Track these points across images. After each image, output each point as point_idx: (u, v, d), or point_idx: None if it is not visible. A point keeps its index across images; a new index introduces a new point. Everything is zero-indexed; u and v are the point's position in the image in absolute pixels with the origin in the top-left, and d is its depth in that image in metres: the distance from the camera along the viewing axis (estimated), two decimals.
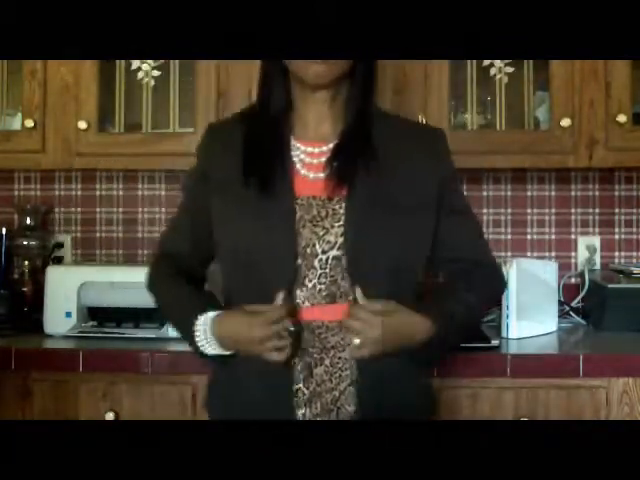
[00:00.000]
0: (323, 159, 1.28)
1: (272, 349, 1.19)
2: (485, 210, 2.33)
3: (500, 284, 1.45)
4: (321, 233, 1.24)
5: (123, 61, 2.11)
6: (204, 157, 1.35)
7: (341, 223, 1.23)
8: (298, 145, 1.29)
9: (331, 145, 1.29)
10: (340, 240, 1.23)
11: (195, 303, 1.30)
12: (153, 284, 1.40)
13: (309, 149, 1.29)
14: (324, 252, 1.23)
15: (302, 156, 1.29)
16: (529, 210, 2.34)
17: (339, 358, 1.25)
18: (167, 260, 1.39)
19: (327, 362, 1.25)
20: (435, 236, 1.31)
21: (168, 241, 1.43)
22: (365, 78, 1.29)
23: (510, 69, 2.09)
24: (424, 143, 1.33)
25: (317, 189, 1.25)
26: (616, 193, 2.33)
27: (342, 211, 1.24)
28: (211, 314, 1.26)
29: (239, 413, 1.27)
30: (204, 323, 1.25)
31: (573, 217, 2.33)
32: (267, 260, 1.23)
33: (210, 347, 1.26)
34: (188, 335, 1.28)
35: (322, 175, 1.26)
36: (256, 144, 1.28)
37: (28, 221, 2.31)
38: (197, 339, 1.26)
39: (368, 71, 1.30)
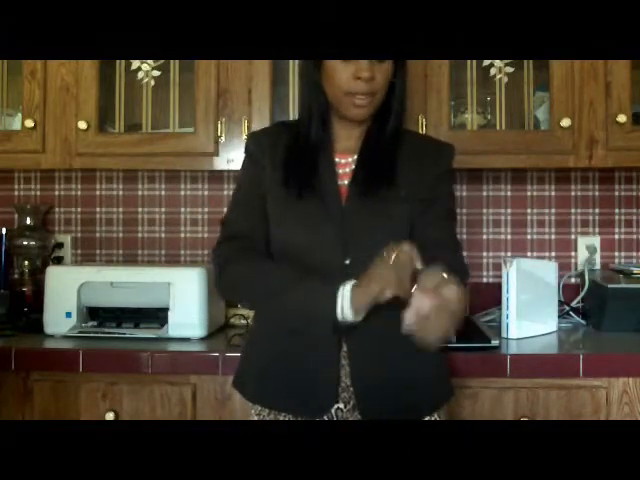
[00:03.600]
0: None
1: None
2: (485, 210, 2.32)
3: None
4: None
5: (123, 61, 2.11)
6: (261, 153, 1.44)
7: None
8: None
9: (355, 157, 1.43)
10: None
11: (312, 277, 1.33)
12: (237, 262, 1.39)
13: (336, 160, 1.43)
14: None
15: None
16: (529, 210, 2.34)
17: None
18: (239, 241, 1.41)
19: None
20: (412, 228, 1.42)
21: (237, 222, 1.45)
22: (398, 105, 1.42)
23: (510, 69, 2.08)
24: (429, 156, 1.45)
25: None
26: (616, 193, 2.33)
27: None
28: (349, 284, 1.28)
29: None
30: (343, 294, 1.28)
31: (573, 217, 2.33)
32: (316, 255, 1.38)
33: (350, 314, 1.28)
34: (323, 306, 1.29)
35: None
36: (305, 155, 1.41)
37: (28, 221, 2.31)
38: (339, 308, 1.28)
39: (401, 98, 1.42)
